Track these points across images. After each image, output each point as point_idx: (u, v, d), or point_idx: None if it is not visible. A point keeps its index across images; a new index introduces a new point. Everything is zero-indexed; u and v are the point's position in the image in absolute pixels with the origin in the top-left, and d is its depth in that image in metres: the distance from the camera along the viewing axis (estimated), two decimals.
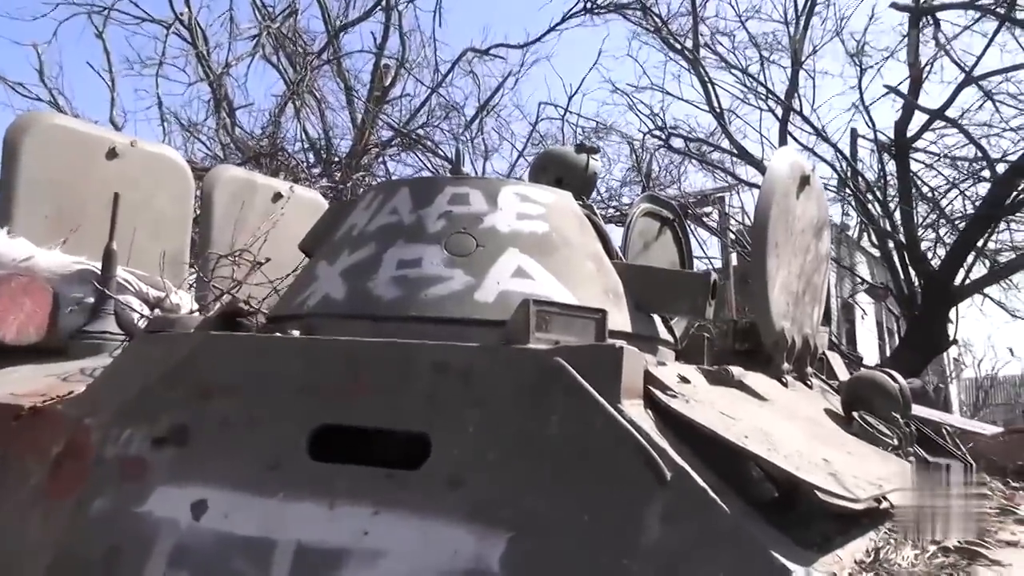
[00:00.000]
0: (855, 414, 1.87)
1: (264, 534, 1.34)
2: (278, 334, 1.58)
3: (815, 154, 9.42)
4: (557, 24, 11.15)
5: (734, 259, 9.40)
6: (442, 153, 9.38)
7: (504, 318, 1.53)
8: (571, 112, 11.15)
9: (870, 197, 9.13)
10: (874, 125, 9.22)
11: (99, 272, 2.33)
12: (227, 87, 10.63)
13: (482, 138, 11.00)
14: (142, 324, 2.27)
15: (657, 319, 1.89)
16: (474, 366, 1.39)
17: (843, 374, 2.68)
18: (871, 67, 9.61)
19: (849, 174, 9.17)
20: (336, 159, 9.87)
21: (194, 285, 3.17)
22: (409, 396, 1.40)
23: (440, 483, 1.31)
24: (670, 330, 2.01)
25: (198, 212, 3.96)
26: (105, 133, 3.78)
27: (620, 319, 1.72)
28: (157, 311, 2.37)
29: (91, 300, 2.30)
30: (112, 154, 3.49)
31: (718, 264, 9.70)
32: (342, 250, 1.78)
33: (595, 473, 1.25)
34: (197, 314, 2.16)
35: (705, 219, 10.09)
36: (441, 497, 1.30)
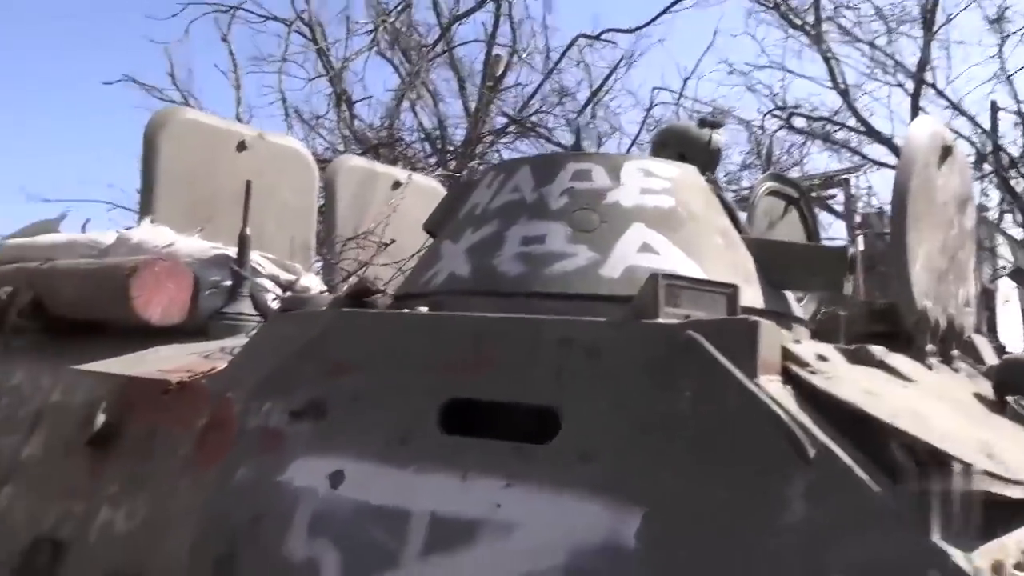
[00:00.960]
0: (1009, 399, 1.75)
1: (399, 504, 1.37)
2: (406, 311, 1.61)
3: (951, 130, 8.90)
4: (670, 6, 10.92)
5: (861, 243, 9.01)
6: (555, 139, 9.38)
7: (630, 293, 1.51)
8: (685, 96, 10.93)
9: (1013, 173, 8.56)
10: (1017, 96, 8.63)
11: (235, 257, 2.43)
12: (346, 81, 10.94)
13: (594, 124, 10.91)
14: (275, 305, 2.36)
15: (790, 296, 1.82)
16: (601, 341, 1.37)
17: (991, 358, 2.51)
18: (1013, 33, 8.99)
19: (990, 149, 8.62)
20: (451, 148, 10.02)
21: (320, 272, 3.28)
22: (537, 371, 1.39)
23: (570, 457, 1.30)
24: None
25: (321, 202, 4.08)
26: (234, 126, 3.95)
27: (752, 295, 1.66)
28: (288, 293, 2.45)
29: (228, 283, 2.40)
30: (241, 146, 3.65)
31: None
32: (465, 229, 1.80)
33: (732, 450, 1.21)
34: (327, 294, 2.22)
35: (830, 202, 9.70)
36: (572, 471, 1.29)
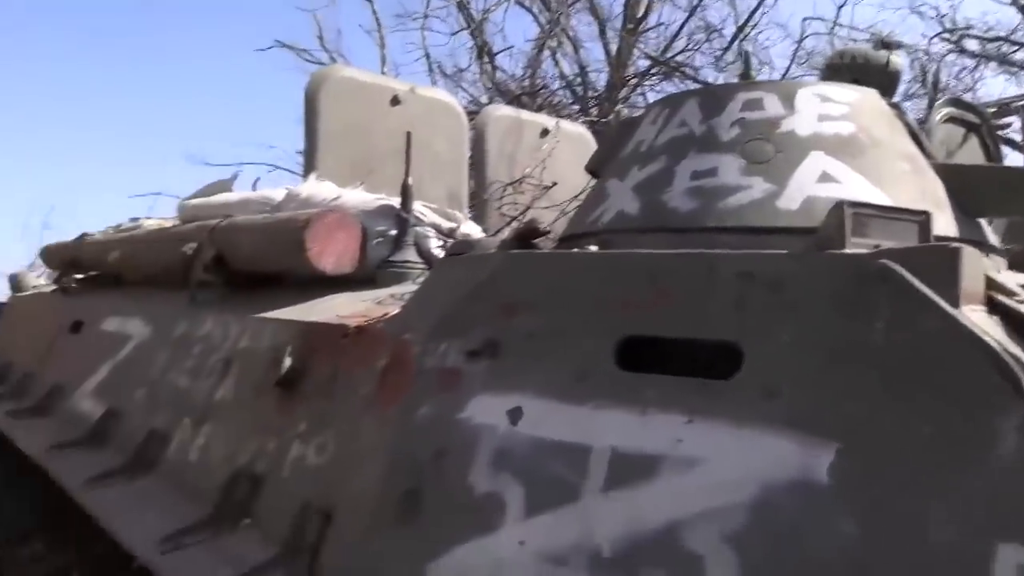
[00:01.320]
0: None
1: (579, 440, 1.38)
2: (576, 250, 1.61)
3: None
4: None
5: None
6: (702, 79, 9.06)
7: (810, 225, 1.44)
8: (840, 24, 10.27)
9: None
10: None
11: (398, 207, 2.50)
12: (487, 33, 10.96)
13: (742, 61, 10.45)
14: (439, 252, 2.42)
15: (985, 224, 1.69)
16: (784, 274, 1.32)
17: None
18: None
19: None
20: (593, 95, 9.88)
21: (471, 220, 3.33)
22: (715, 306, 1.36)
23: (755, 393, 1.27)
24: None
25: (471, 153, 4.13)
26: (387, 82, 4.05)
27: (944, 222, 1.56)
28: (450, 240, 2.51)
29: (393, 232, 2.48)
30: (395, 101, 3.73)
31: None
32: (632, 166, 1.76)
33: (933, 382, 1.14)
34: (494, 237, 2.26)
35: (1005, 132, 8.92)
36: (757, 407, 1.25)
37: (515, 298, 1.57)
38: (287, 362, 1.98)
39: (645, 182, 1.70)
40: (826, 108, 1.67)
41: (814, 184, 1.56)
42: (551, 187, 2.47)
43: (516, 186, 2.70)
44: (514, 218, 2.33)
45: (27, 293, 5.12)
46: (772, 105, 1.68)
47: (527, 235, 1.72)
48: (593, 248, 1.59)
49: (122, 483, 2.37)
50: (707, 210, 1.59)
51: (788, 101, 1.68)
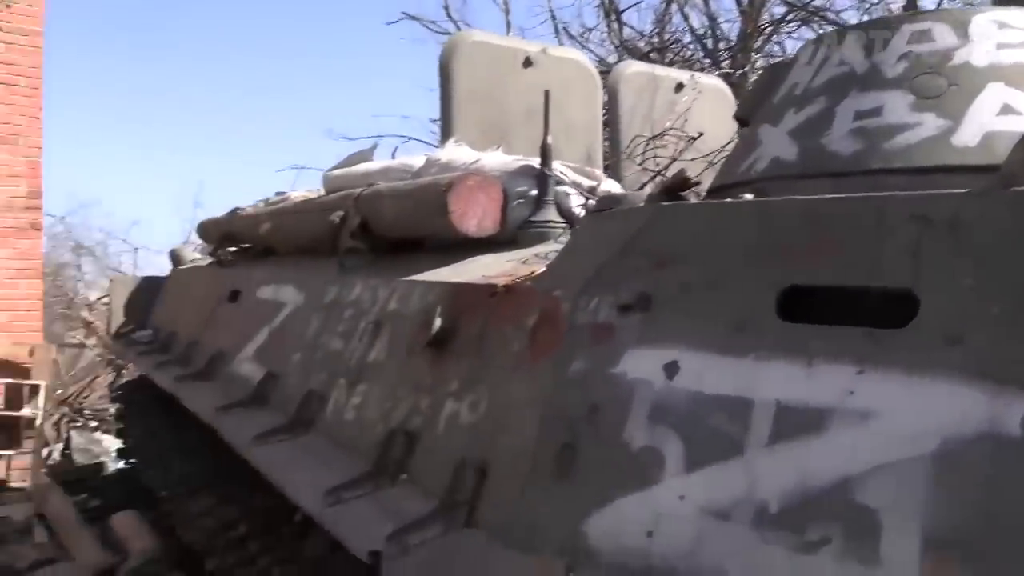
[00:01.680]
0: None
1: (740, 393, 1.34)
2: (730, 200, 1.55)
3: None
4: None
5: None
6: (843, 22, 8.57)
7: (991, 162, 1.34)
8: None
9: None
10: None
11: (538, 167, 2.49)
12: None
13: (885, 3, 9.82)
14: (580, 212, 2.40)
15: None
16: (964, 214, 1.23)
17: None
18: None
19: None
20: (725, 47, 9.53)
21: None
22: (886, 252, 1.28)
23: (934, 341, 1.19)
24: None
25: (604, 112, 4.07)
26: (519, 44, 4.03)
27: None
28: (591, 200, 2.48)
29: (533, 193, 2.48)
30: (527, 63, 3.72)
31: None
32: (786, 110, 1.69)
33: None
34: (640, 191, 2.22)
35: None
36: (937, 355, 1.18)
37: (667, 251, 1.54)
38: (437, 322, 2.01)
39: (802, 126, 1.62)
40: (1005, 35, 1.54)
41: (993, 118, 1.44)
42: (696, 138, 2.39)
43: (657, 140, 2.63)
44: (657, 173, 2.28)
45: (186, 267, 5.46)
46: (943, 36, 1.56)
47: (675, 187, 1.67)
48: (748, 197, 1.53)
49: (285, 441, 2.50)
50: (872, 151, 1.50)
51: (961, 30, 1.56)
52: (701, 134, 2.45)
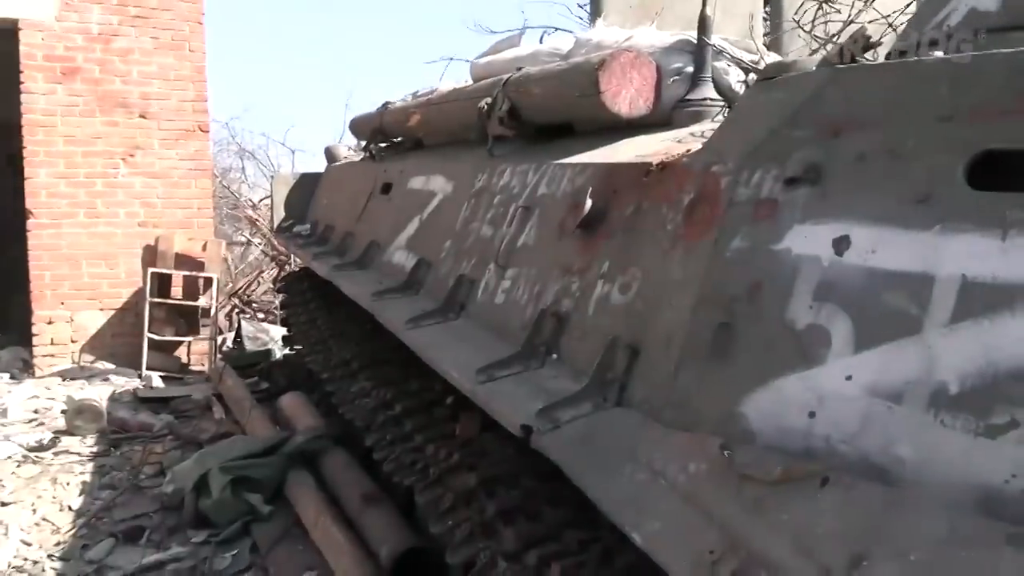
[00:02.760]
0: None
1: (919, 268, 1.23)
2: (915, 59, 1.40)
3: None
4: None
5: None
6: None
7: None
8: None
9: None
10: None
11: (694, 41, 2.36)
12: None
13: None
14: (739, 89, 2.26)
15: None
16: None
17: None
18: None
19: None
20: None
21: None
22: None
23: None
24: None
25: None
26: None
27: None
28: (751, 75, 2.33)
29: (689, 69, 2.35)
30: None
31: None
32: None
33: None
34: (811, 57, 2.06)
35: None
36: None
37: (843, 117, 1.42)
38: (588, 204, 1.97)
39: None
40: None
41: None
42: None
43: (830, 3, 2.41)
44: (827, 40, 2.09)
45: (340, 163, 5.63)
46: None
47: (853, 49, 1.52)
48: (937, 54, 1.37)
49: (437, 324, 2.56)
50: None
51: None
52: None
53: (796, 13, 2.67)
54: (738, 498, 1.23)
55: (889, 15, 2.01)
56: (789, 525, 1.14)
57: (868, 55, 1.54)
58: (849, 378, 1.26)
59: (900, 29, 1.78)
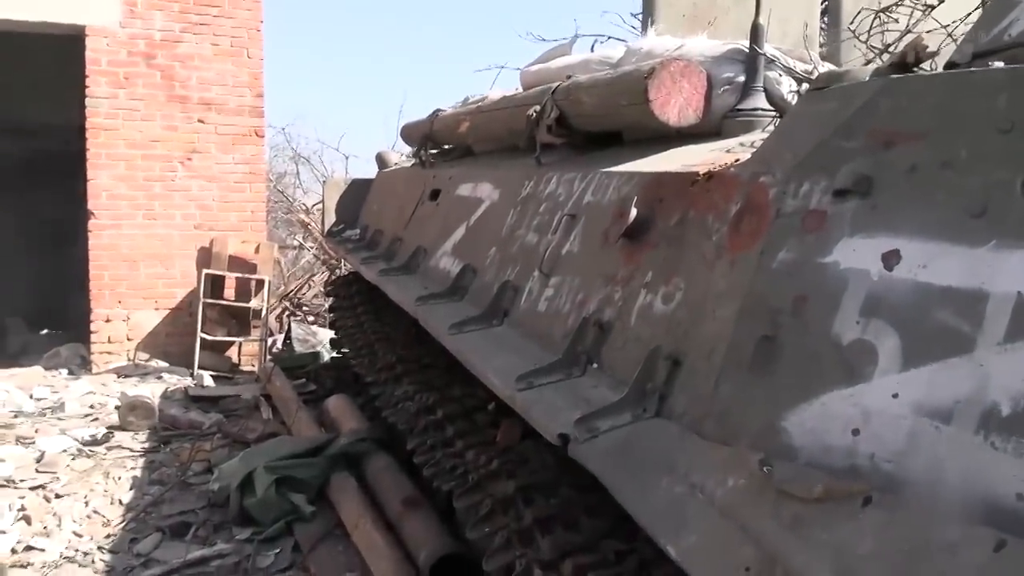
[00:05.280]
0: None
1: (972, 285, 1.19)
2: (976, 69, 1.36)
3: None
4: None
5: None
6: None
7: None
8: None
9: None
10: None
11: (746, 50, 2.32)
12: None
13: None
14: (792, 100, 2.22)
15: None
16: None
17: None
18: None
19: None
20: None
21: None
22: None
23: None
24: None
25: None
26: None
27: None
28: (804, 84, 2.29)
29: (741, 79, 2.32)
30: None
31: None
32: None
33: None
34: (866, 67, 2.02)
35: None
36: None
37: (896, 128, 1.38)
38: (633, 212, 1.96)
39: None
40: None
41: None
42: (936, 6, 2.11)
43: (888, 13, 2.35)
44: (884, 49, 2.04)
45: (391, 169, 5.69)
46: None
47: (909, 59, 1.49)
48: (998, 64, 1.33)
49: (480, 330, 2.56)
50: None
51: None
52: (942, 1, 2.15)
53: (852, 23, 2.61)
54: (777, 515, 1.20)
55: (948, 24, 1.96)
56: (829, 544, 1.11)
57: (925, 65, 1.51)
58: (896, 396, 1.23)
59: (960, 39, 1.73)
